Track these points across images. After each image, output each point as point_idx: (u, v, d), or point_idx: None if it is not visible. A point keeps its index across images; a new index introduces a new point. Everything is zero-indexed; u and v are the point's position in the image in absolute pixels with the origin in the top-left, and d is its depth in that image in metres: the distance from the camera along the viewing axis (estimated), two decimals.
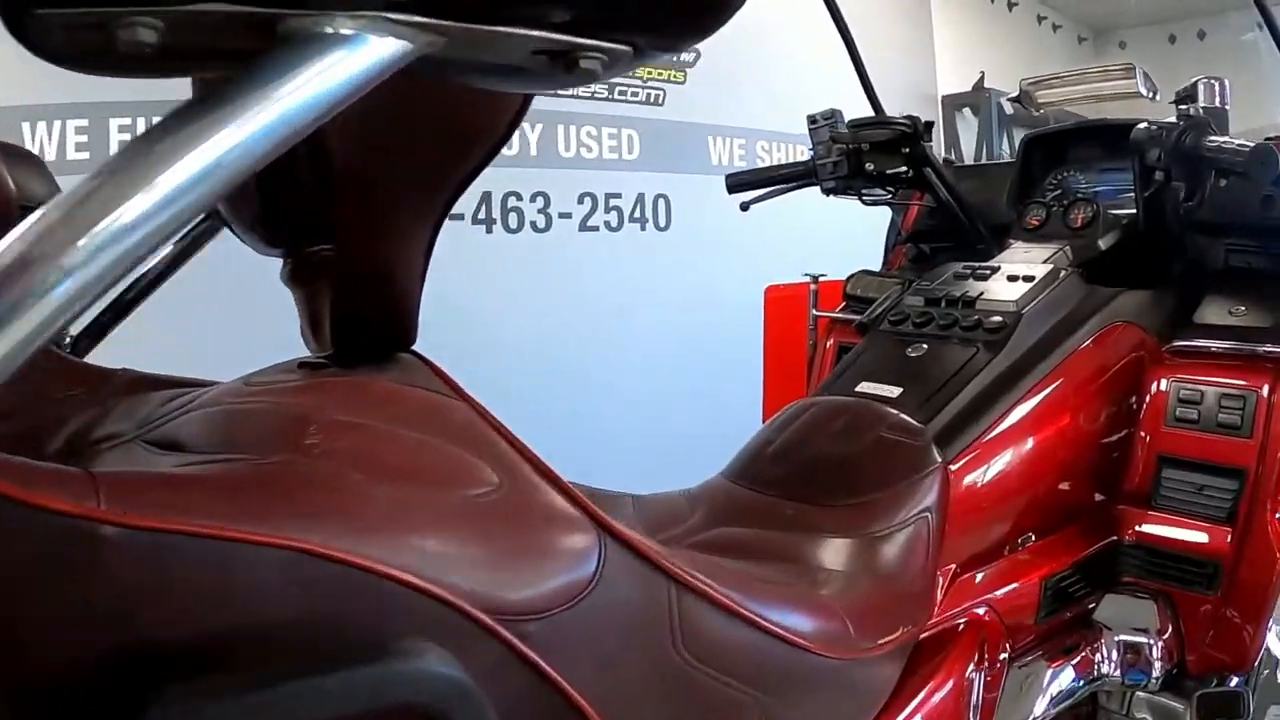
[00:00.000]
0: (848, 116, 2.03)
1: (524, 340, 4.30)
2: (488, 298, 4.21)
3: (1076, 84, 2.41)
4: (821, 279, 2.73)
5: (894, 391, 1.34)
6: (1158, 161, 1.51)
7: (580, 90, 4.35)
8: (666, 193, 4.74)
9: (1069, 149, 2.04)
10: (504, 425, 0.68)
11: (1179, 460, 1.46)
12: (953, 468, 1.21)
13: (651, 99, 4.81)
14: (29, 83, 3.10)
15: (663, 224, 4.74)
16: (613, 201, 4.61)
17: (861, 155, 1.87)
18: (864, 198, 2.03)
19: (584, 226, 4.54)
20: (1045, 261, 1.60)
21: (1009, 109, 6.19)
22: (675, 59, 4.86)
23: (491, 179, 4.18)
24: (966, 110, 6.62)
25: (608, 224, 4.61)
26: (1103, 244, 1.68)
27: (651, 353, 4.62)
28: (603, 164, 4.57)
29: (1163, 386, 1.50)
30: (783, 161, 4.71)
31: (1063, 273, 1.54)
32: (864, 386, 1.37)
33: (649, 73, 4.78)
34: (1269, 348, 1.45)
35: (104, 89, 3.24)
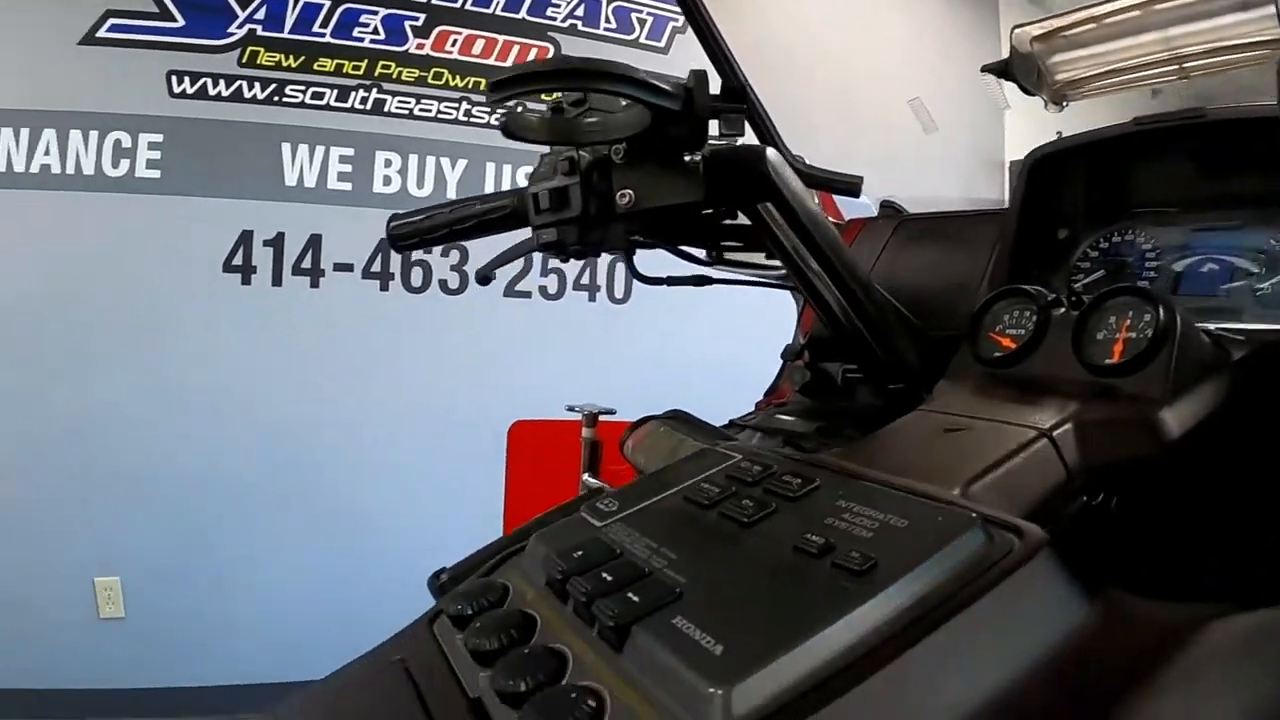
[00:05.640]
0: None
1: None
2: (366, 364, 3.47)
3: (1141, 30, 1.27)
4: (605, 418, 1.91)
5: None
6: None
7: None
8: None
9: (1150, 181, 1.14)
10: None
11: None
12: None
13: None
14: None
15: (619, 294, 3.84)
16: (553, 263, 3.73)
17: (610, 173, 0.91)
18: (635, 269, 1.10)
19: (511, 290, 3.71)
20: (998, 468, 0.73)
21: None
22: None
23: None
24: None
25: (544, 290, 3.77)
26: (1173, 420, 0.76)
27: None
28: None
29: None
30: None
31: (1021, 560, 0.60)
32: None
33: None
34: None
35: None
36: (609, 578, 0.65)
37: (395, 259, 3.54)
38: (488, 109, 3.65)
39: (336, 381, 3.49)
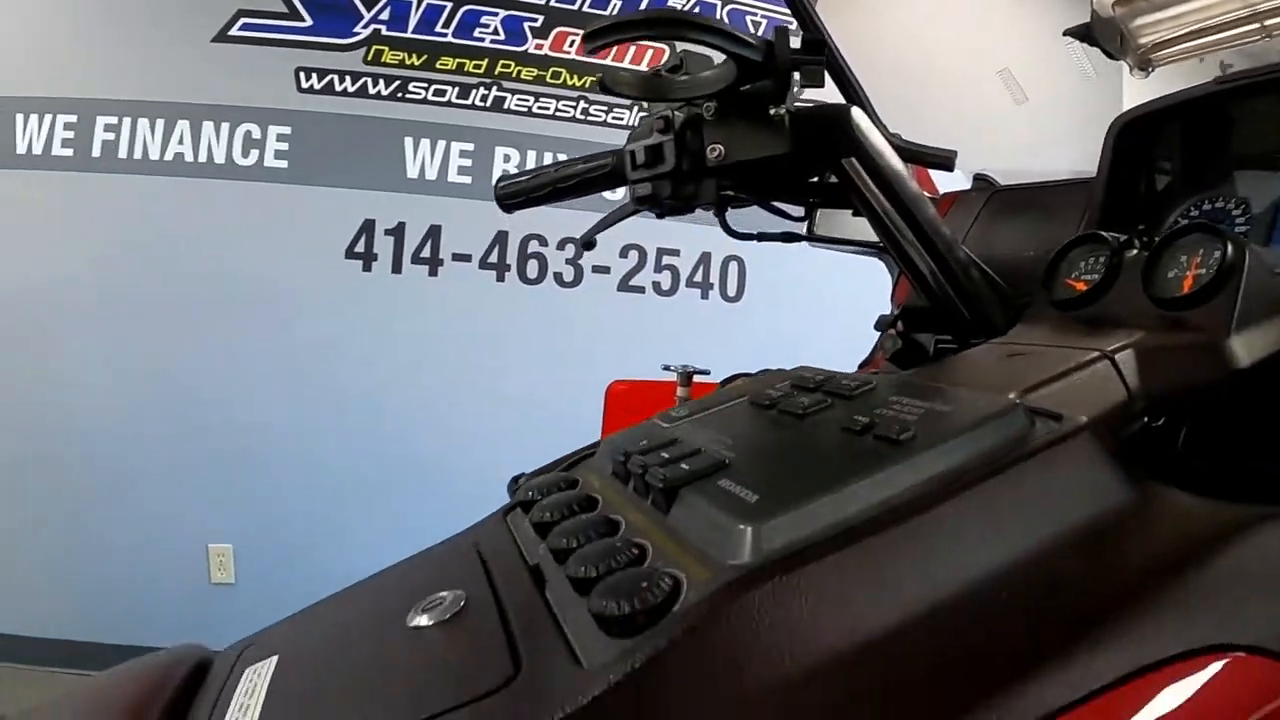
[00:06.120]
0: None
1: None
2: (477, 353, 3.50)
3: None
4: (700, 378, 1.99)
5: None
6: None
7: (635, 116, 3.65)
8: (741, 254, 3.82)
9: (1241, 140, 1.12)
10: None
11: None
12: None
13: None
14: (20, 76, 3.33)
15: (732, 293, 3.79)
16: (667, 259, 3.72)
17: (702, 129, 0.96)
18: (727, 225, 1.16)
19: (625, 285, 3.68)
20: (1055, 381, 0.73)
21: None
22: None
23: (509, 216, 3.48)
24: None
25: (657, 285, 3.72)
26: (1241, 349, 0.75)
27: None
28: None
29: None
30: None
31: (1059, 439, 0.62)
32: None
33: None
34: None
35: (95, 86, 3.35)
36: (665, 455, 0.69)
37: (512, 251, 3.57)
38: (604, 108, 3.69)
39: (450, 367, 3.54)
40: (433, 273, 3.53)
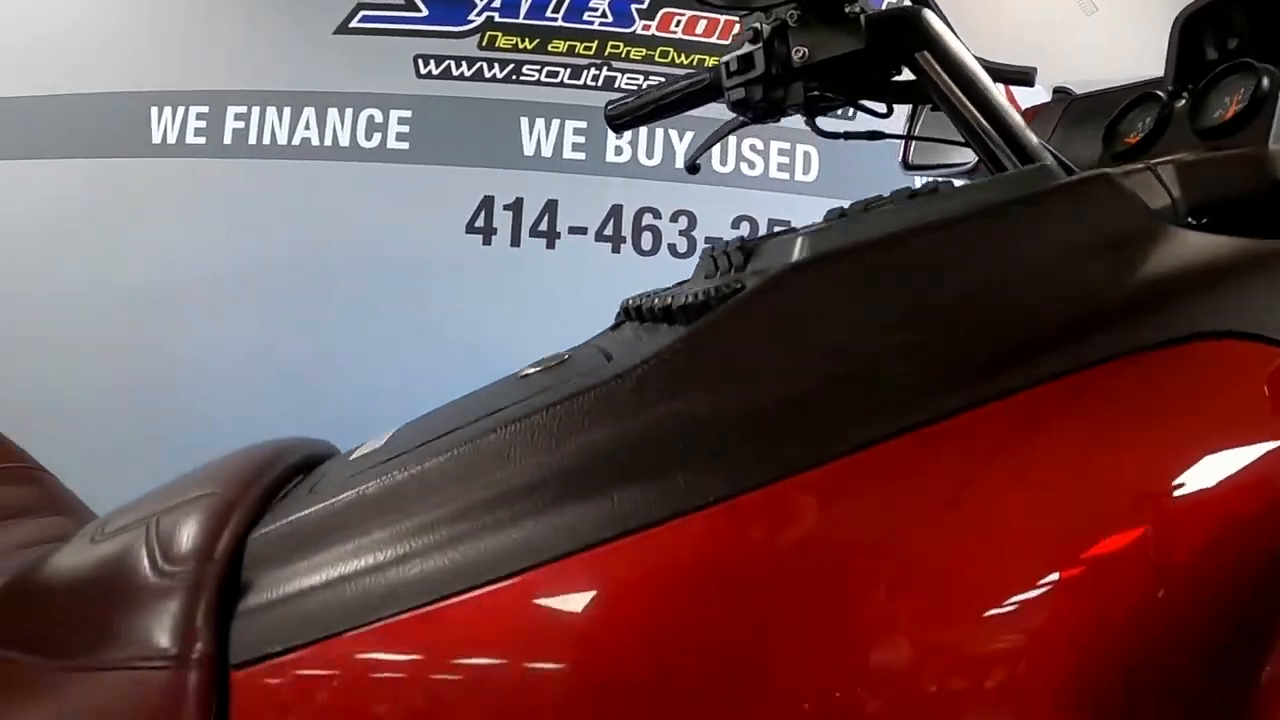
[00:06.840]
0: None
1: None
2: (594, 322, 3.51)
3: None
4: None
5: None
6: None
7: None
8: None
9: None
10: None
11: None
12: None
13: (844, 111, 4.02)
14: (154, 71, 3.54)
15: None
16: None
17: (788, 35, 1.03)
18: (816, 126, 1.18)
19: None
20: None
21: None
22: None
23: (623, 191, 3.62)
24: None
25: None
26: None
27: None
28: (768, 184, 3.77)
29: None
30: None
31: (1082, 181, 0.71)
32: None
33: None
34: None
35: (225, 79, 3.52)
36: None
37: (627, 224, 3.63)
38: None
39: (567, 336, 3.51)
40: (550, 245, 3.61)
